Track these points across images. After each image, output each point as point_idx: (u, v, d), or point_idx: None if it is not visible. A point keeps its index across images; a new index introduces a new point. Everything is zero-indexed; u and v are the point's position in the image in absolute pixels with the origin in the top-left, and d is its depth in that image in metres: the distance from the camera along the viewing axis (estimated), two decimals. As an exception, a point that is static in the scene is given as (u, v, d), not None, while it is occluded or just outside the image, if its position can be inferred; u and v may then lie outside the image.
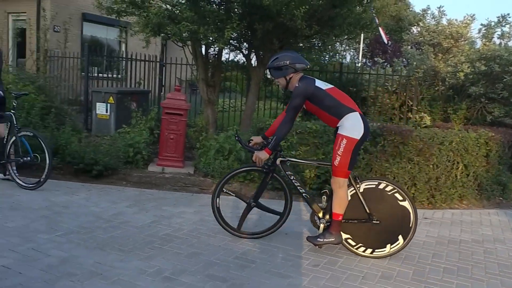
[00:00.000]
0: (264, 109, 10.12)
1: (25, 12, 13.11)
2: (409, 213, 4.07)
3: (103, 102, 8.66)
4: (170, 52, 16.06)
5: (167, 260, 3.72)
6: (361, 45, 22.60)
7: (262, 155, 4.01)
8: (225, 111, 10.92)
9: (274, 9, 6.52)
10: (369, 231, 4.13)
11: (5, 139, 5.71)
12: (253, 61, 8.56)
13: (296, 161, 4.60)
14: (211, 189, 6.17)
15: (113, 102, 8.58)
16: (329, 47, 15.73)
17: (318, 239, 4.06)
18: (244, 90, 11.08)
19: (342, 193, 3.97)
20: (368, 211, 4.08)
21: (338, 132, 3.95)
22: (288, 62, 4.00)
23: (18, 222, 4.33)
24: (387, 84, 9.17)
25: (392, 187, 4.10)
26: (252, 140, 4.44)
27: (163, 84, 11.12)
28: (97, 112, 8.78)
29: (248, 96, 8.77)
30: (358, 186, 4.10)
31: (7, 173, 5.76)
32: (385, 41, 21.87)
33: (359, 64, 16.62)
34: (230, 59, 10.25)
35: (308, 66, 4.31)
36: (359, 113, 3.97)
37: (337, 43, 21.65)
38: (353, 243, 4.17)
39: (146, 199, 5.56)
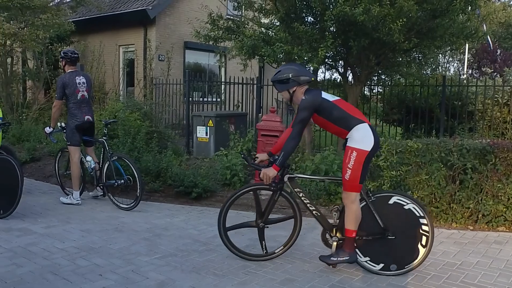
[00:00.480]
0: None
1: (133, 44, 14.11)
2: (427, 225, 3.89)
3: (203, 126, 8.95)
4: (268, 74, 16.32)
5: (260, 286, 3.65)
6: (466, 56, 21.25)
7: (270, 172, 3.84)
8: (322, 130, 10.75)
9: (369, 24, 6.31)
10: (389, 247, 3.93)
11: (100, 165, 6.25)
12: (349, 78, 8.36)
13: (304, 177, 4.55)
14: (307, 212, 6.04)
15: (212, 125, 8.83)
16: (431, 59, 14.93)
17: (332, 258, 3.91)
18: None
19: (354, 208, 3.79)
20: (382, 225, 3.90)
21: (347, 144, 3.78)
22: (291, 75, 3.87)
23: (121, 244, 4.54)
24: (497, 95, 8.44)
25: (410, 203, 3.92)
26: (257, 157, 4.26)
27: (261, 105, 11.26)
28: (197, 135, 9.09)
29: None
30: (370, 200, 3.91)
31: (105, 194, 6.31)
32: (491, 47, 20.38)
33: (464, 76, 15.60)
34: (325, 77, 10.13)
35: (313, 79, 4.10)
36: (368, 124, 3.81)
37: (439, 55, 20.53)
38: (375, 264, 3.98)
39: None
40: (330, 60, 8.29)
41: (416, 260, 3.93)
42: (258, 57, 7.45)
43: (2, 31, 9.96)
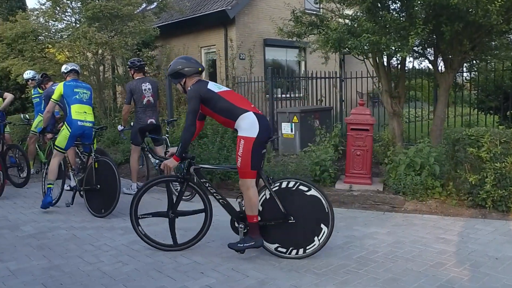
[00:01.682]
0: (455, 117, 9.28)
1: (214, 45, 14.38)
2: (319, 199, 4.04)
3: (288, 122, 8.91)
4: (349, 66, 15.98)
5: (363, 286, 3.53)
6: None
7: (171, 163, 4.05)
8: (411, 122, 10.32)
9: (464, 7, 5.91)
10: (293, 231, 4.07)
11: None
12: (440, 66, 7.91)
13: (208, 167, 4.96)
14: (403, 207, 5.80)
15: (297, 121, 8.77)
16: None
17: (239, 245, 4.08)
18: (430, 98, 10.34)
19: (251, 194, 3.93)
20: (284, 211, 4.04)
21: (238, 134, 3.94)
22: (178, 68, 4.12)
23: (218, 242, 4.61)
24: None
25: (294, 182, 4.07)
26: (169, 151, 4.39)
27: (343, 99, 11.03)
28: (283, 132, 9.07)
29: (436, 104, 8.12)
30: (272, 187, 4.06)
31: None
32: None
33: None
34: (413, 67, 9.68)
35: (200, 69, 4.22)
36: (254, 112, 3.94)
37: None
38: (284, 250, 4.12)
39: (336, 218, 5.43)
40: (420, 48, 7.89)
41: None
42: (343, 49, 7.25)
43: (95, 40, 10.54)
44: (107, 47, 11.21)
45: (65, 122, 6.09)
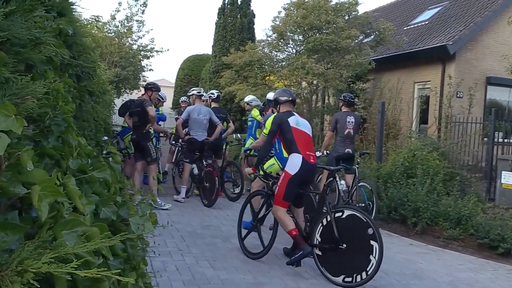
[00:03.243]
0: None
1: (429, 81, 13.75)
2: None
3: (510, 171, 7.95)
4: None
5: None
6: None
7: None
8: None
9: None
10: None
11: (350, 187, 6.98)
12: None
13: None
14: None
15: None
16: None
17: (291, 259, 4.55)
18: None
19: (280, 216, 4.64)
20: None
21: None
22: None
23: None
24: None
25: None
26: None
27: None
28: (502, 182, 8.12)
29: None
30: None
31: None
32: None
33: None
34: None
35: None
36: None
37: None
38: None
39: None
40: None
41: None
42: None
43: (312, 71, 11.08)
44: (322, 78, 11.67)
45: (276, 157, 6.15)
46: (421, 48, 13.62)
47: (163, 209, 6.99)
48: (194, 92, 8.57)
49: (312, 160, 4.69)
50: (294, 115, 4.90)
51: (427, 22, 15.68)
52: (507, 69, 7.70)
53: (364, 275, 4.07)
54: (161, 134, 8.92)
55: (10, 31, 1.17)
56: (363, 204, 6.72)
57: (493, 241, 5.76)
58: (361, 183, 6.96)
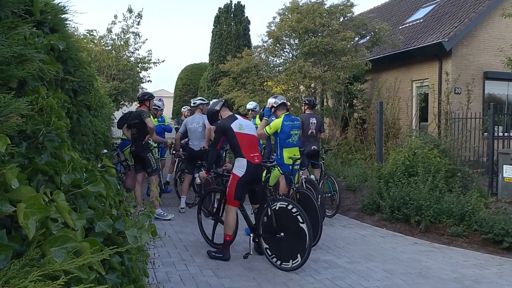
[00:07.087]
0: None
1: (427, 79, 13.76)
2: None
3: (510, 165, 7.93)
4: None
5: None
6: None
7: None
8: None
9: None
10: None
11: (318, 180, 7.71)
12: None
13: None
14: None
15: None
16: None
17: (212, 253, 5.27)
18: None
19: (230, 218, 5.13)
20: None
21: None
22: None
23: (429, 292, 4.29)
24: None
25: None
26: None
27: None
28: (504, 176, 8.09)
29: None
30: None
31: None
32: None
33: None
34: None
35: None
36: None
37: None
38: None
39: None
40: None
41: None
42: None
43: (309, 75, 11.10)
44: (319, 80, 11.69)
45: (277, 162, 6.22)
46: (417, 46, 13.64)
47: (165, 220, 6.99)
48: (197, 102, 8.20)
49: (256, 160, 5.11)
50: (237, 119, 5.26)
51: (421, 20, 15.71)
52: (504, 62, 7.67)
53: (305, 253, 4.66)
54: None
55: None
56: (329, 194, 7.80)
57: (497, 236, 5.74)
58: (326, 176, 7.96)
